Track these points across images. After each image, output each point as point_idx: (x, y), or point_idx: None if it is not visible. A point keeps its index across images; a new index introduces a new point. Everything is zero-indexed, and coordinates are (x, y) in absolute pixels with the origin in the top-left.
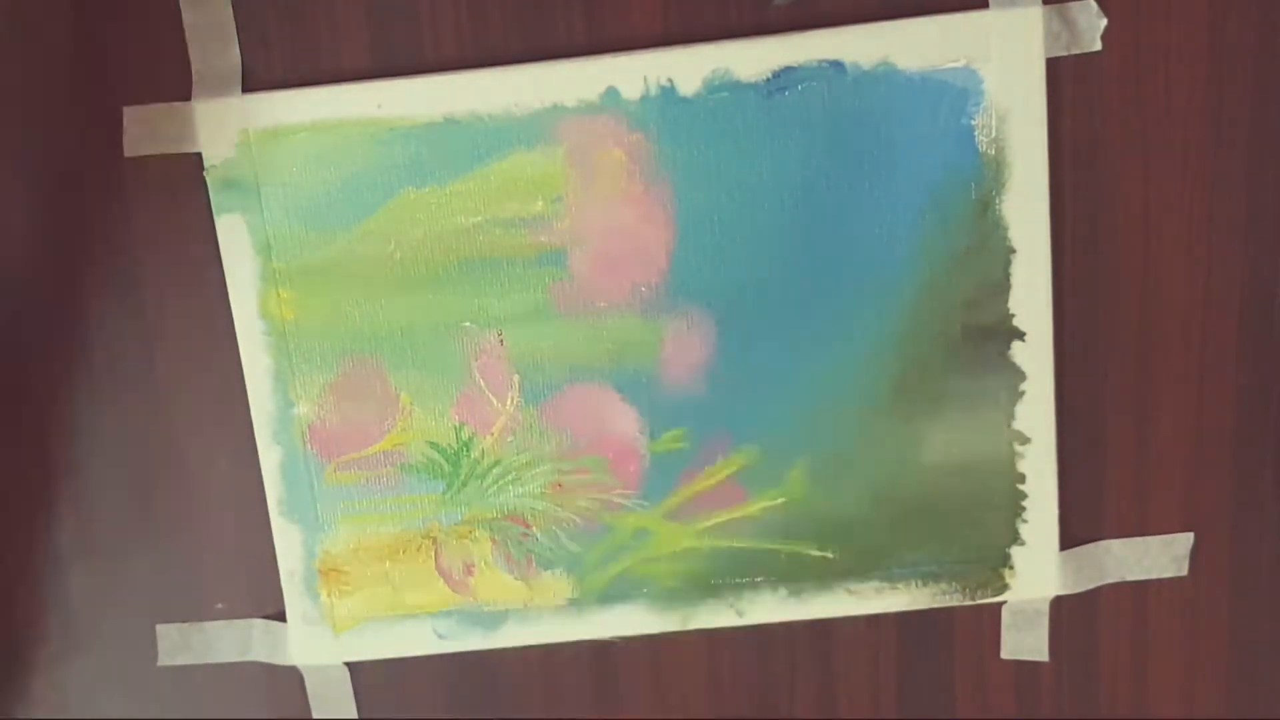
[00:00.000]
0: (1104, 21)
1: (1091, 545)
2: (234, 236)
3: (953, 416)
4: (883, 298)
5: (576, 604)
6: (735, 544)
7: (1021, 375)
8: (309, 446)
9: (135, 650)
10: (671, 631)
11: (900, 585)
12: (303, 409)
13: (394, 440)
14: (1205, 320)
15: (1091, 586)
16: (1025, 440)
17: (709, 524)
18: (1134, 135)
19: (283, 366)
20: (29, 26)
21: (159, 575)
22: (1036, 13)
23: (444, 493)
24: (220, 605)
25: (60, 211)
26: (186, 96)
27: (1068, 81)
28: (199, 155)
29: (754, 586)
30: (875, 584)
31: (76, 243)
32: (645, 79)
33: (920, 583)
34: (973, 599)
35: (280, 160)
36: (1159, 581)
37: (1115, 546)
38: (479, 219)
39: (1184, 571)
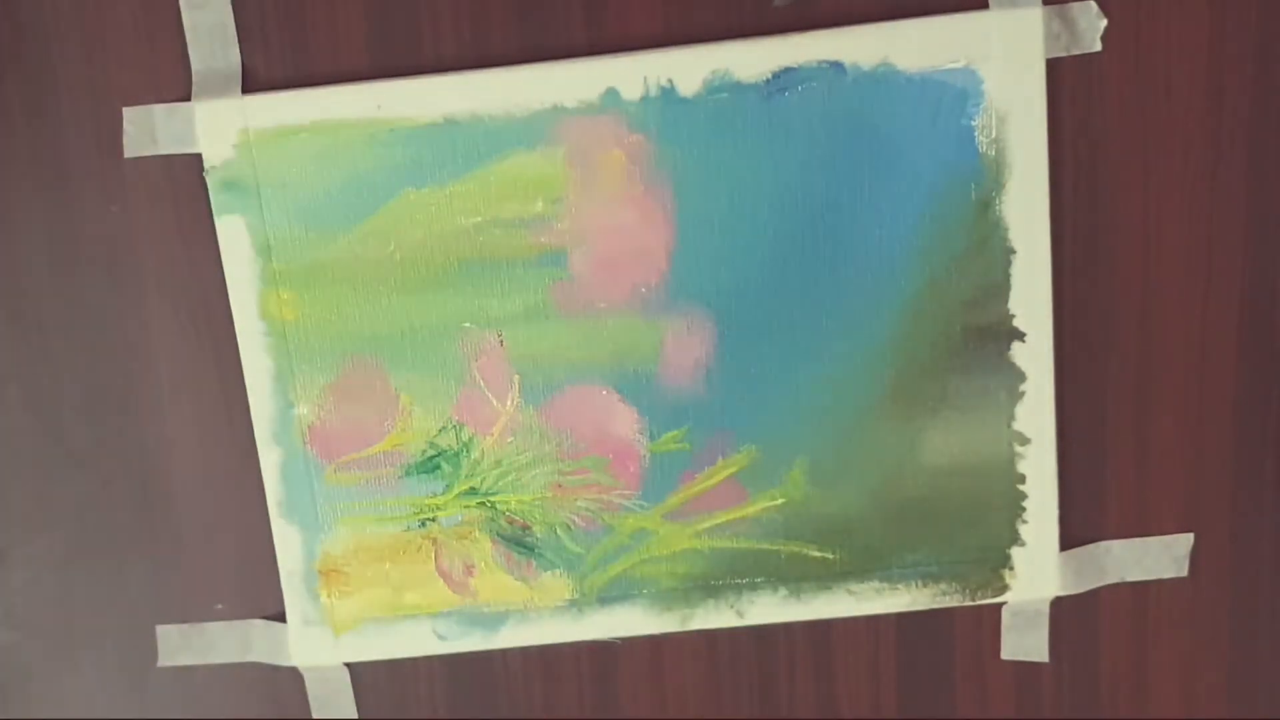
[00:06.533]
0: (1104, 22)
1: (1091, 545)
2: (234, 237)
3: (953, 416)
4: (883, 298)
5: (576, 604)
6: (735, 544)
7: (1021, 375)
8: (309, 447)
9: (135, 650)
10: (671, 631)
11: (900, 585)
12: (303, 409)
13: (394, 441)
14: (1205, 320)
15: (1091, 587)
16: (1025, 440)
17: (709, 524)
18: (1134, 135)
19: (283, 367)
20: (29, 26)
21: (159, 575)
22: (1036, 13)
23: (444, 493)
24: (220, 605)
25: (60, 211)
26: (186, 96)
27: (1068, 81)
28: (199, 155)
29: (754, 587)
30: (875, 584)
31: (77, 242)
32: (645, 79)
33: (920, 583)
34: (973, 599)
35: (280, 161)
36: (1159, 581)
37: (1115, 547)
38: (479, 220)
39: (1184, 572)
